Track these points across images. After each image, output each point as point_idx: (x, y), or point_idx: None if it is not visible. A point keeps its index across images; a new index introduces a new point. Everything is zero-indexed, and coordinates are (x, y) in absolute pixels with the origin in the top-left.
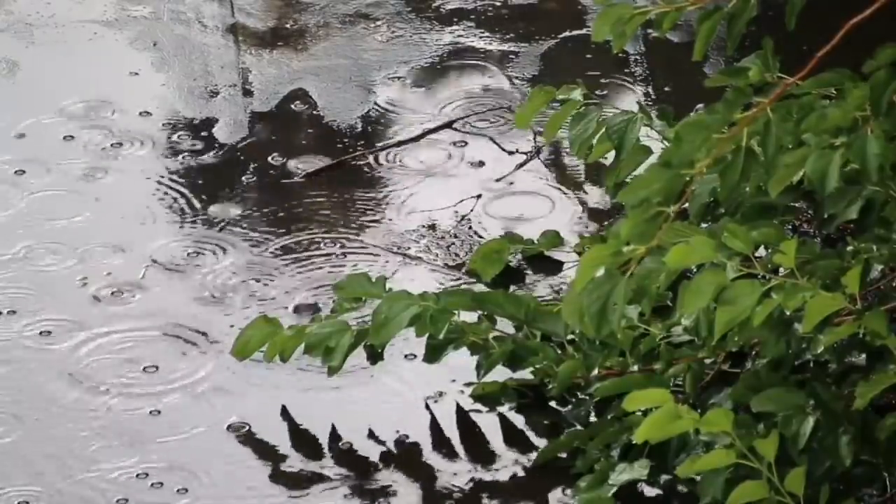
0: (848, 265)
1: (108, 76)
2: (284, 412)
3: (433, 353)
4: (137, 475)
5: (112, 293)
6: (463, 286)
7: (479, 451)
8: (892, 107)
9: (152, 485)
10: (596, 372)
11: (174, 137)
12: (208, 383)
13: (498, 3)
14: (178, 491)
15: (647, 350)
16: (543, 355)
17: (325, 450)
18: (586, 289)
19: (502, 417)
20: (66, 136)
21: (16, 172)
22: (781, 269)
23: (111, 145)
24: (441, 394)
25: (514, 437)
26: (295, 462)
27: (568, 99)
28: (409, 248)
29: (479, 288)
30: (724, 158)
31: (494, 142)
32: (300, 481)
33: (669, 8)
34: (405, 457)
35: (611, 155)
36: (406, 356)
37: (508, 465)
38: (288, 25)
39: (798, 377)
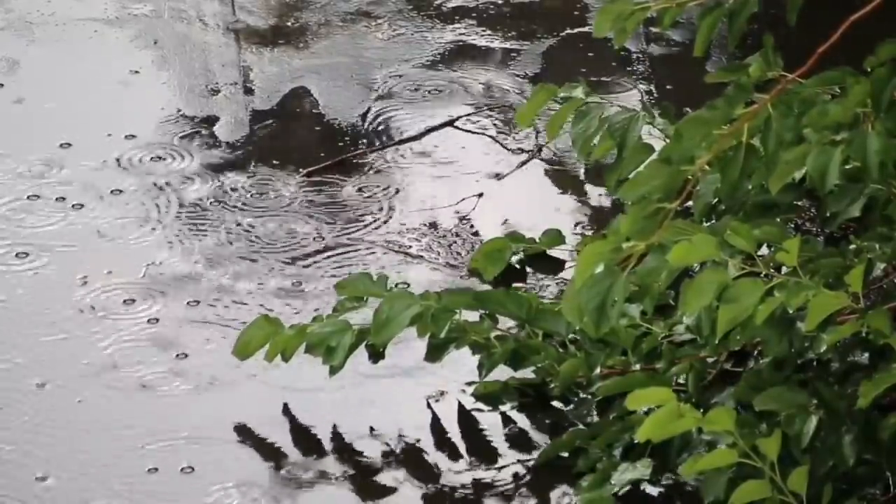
0: (850, 263)
1: (109, 74)
2: (285, 411)
3: (435, 353)
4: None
5: (112, 294)
6: (464, 285)
7: (481, 451)
8: (894, 104)
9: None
10: (598, 371)
11: (175, 136)
12: (208, 383)
13: (499, 1)
14: None
15: (649, 349)
16: (545, 354)
17: (326, 449)
18: (585, 285)
19: (504, 417)
20: (65, 135)
21: (19, 172)
22: (784, 268)
23: (110, 144)
24: (442, 393)
25: (515, 437)
26: (295, 462)
27: (570, 97)
28: (410, 247)
29: (481, 287)
30: (725, 154)
31: (496, 140)
32: (301, 481)
33: (670, 3)
34: (406, 456)
35: (613, 153)
36: (407, 355)
37: (510, 464)
38: (289, 23)
39: (801, 376)
